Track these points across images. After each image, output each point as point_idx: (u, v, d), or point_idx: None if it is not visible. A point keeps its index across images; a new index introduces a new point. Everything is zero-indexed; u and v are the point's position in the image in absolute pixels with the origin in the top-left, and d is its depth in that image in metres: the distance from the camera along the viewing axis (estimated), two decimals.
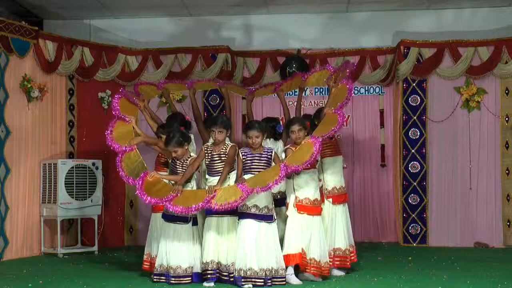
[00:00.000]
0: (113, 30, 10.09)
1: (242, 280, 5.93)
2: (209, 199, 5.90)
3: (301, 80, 7.40)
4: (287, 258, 6.16)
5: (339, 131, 6.29)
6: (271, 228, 6.10)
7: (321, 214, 6.44)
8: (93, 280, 6.41)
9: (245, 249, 5.96)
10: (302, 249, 6.19)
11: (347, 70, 6.80)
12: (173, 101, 9.38)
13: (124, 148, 6.45)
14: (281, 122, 8.51)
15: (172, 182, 6.28)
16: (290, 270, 6.17)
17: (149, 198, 5.99)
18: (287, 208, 6.38)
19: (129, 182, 6.28)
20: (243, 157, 6.18)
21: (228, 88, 7.59)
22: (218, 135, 6.27)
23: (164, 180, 6.32)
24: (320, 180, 6.60)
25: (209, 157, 6.29)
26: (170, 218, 6.20)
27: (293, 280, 6.14)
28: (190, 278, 6.17)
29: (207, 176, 6.40)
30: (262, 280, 5.93)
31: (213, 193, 5.94)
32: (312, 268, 6.21)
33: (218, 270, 6.15)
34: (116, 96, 6.98)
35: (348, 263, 6.70)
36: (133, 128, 6.76)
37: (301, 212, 6.25)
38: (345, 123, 9.41)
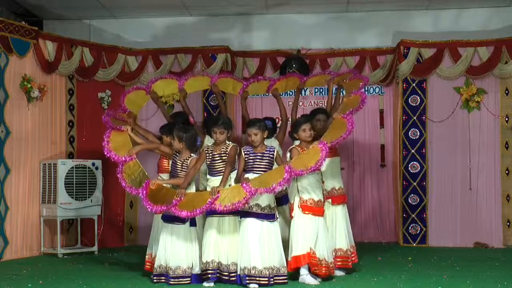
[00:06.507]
0: (113, 30, 10.09)
1: (247, 278, 5.92)
2: (212, 200, 5.89)
3: (298, 81, 7.40)
4: (297, 259, 6.13)
5: (347, 137, 6.26)
6: (274, 227, 6.10)
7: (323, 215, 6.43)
8: (93, 280, 6.41)
9: (249, 248, 5.95)
10: (311, 248, 6.15)
11: (360, 84, 6.77)
12: (172, 102, 9.40)
13: (124, 158, 6.43)
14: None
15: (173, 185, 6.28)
16: (304, 270, 6.15)
17: (155, 207, 5.99)
18: (291, 210, 6.35)
19: (132, 192, 6.30)
20: (246, 156, 6.18)
21: (221, 87, 7.52)
22: (219, 135, 6.27)
23: (166, 185, 6.31)
24: (323, 182, 6.59)
25: (210, 157, 6.28)
26: (168, 218, 6.21)
27: (309, 280, 6.10)
28: (189, 279, 6.17)
29: (208, 176, 6.40)
30: (266, 279, 5.92)
31: (216, 195, 5.93)
32: (323, 269, 6.17)
33: (218, 270, 6.15)
34: (103, 117, 6.90)
35: (349, 263, 6.70)
36: (130, 136, 6.73)
37: (306, 212, 6.22)
38: None
